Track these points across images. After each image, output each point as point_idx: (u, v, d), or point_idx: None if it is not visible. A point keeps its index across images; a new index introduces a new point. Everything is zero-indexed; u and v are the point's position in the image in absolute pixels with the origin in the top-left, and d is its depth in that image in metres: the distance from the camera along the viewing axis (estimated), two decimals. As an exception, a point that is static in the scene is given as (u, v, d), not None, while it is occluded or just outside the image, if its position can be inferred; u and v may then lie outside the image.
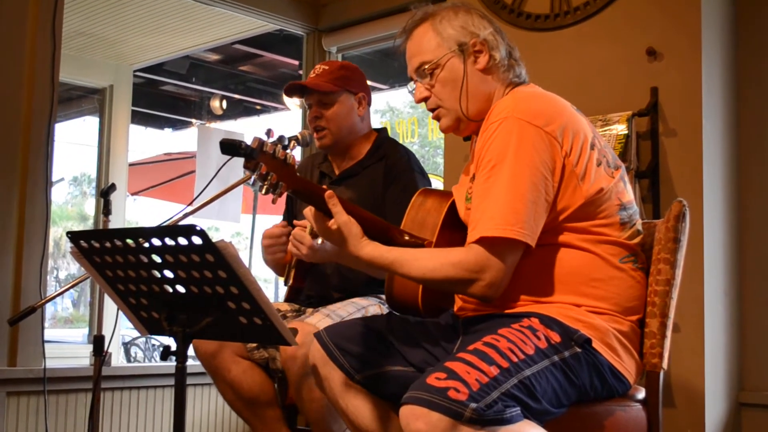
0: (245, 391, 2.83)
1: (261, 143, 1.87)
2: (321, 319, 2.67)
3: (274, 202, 1.96)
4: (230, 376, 2.83)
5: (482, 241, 1.87)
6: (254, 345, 2.85)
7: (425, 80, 2.13)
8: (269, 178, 1.89)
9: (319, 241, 2.48)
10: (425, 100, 2.15)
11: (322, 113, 2.97)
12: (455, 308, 2.15)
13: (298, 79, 4.06)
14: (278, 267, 3.03)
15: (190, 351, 1.97)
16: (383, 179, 2.92)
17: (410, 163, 2.94)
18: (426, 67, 2.11)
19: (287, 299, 3.10)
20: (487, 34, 2.10)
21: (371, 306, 2.82)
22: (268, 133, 1.92)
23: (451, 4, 2.17)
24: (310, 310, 2.95)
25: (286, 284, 3.05)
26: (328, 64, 3.09)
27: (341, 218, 1.98)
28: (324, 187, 2.04)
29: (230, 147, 1.83)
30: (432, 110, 2.16)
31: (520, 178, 1.87)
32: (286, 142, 1.91)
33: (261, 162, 1.87)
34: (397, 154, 2.96)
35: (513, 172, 1.88)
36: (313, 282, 3.00)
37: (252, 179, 1.89)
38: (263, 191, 1.91)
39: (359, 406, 2.16)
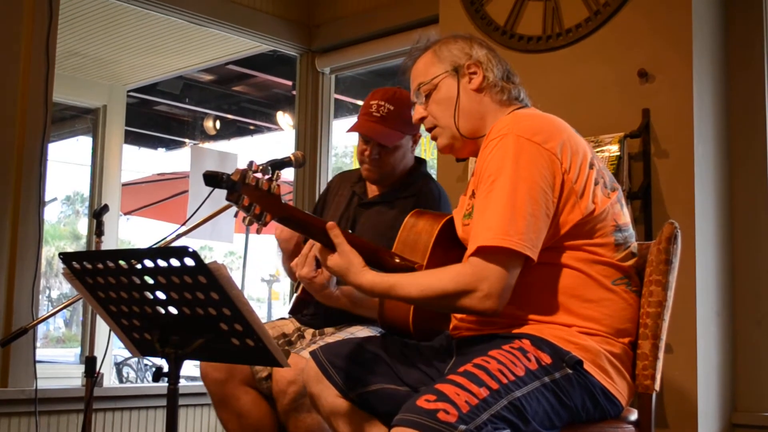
0: (253, 423, 2.81)
1: (242, 176, 1.85)
2: None
3: (258, 232, 1.94)
4: (239, 404, 2.81)
5: (479, 252, 1.88)
6: (263, 375, 2.82)
7: (422, 101, 2.20)
8: (252, 209, 1.88)
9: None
10: (422, 120, 2.21)
11: (381, 155, 2.89)
12: (450, 327, 2.16)
13: (291, 99, 4.03)
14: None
15: (183, 372, 1.96)
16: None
17: (439, 201, 2.93)
18: (422, 87, 2.18)
19: (292, 310, 3.00)
20: (481, 55, 2.17)
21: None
22: (250, 165, 1.89)
23: (453, 34, 2.26)
24: (310, 331, 2.94)
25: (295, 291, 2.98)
26: (394, 102, 2.89)
27: (344, 248, 2.00)
28: (322, 219, 2.06)
29: (212, 179, 1.82)
30: (430, 130, 2.22)
31: (518, 191, 1.89)
32: (271, 174, 1.88)
33: (243, 194, 1.85)
34: (428, 190, 2.95)
35: (512, 186, 1.89)
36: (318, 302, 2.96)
37: (236, 211, 1.88)
38: (246, 222, 1.90)
39: (352, 424, 2.16)
